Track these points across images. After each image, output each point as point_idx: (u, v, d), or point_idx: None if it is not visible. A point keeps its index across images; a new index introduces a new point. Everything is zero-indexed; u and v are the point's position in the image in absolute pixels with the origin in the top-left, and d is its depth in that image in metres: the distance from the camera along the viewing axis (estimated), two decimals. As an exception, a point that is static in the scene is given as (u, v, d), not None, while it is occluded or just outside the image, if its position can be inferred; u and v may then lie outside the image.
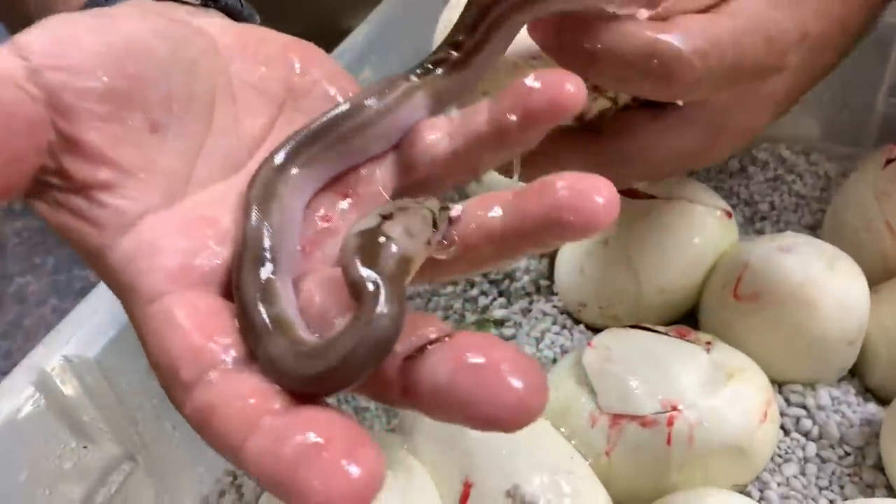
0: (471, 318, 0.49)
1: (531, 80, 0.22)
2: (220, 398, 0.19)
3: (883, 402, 0.41)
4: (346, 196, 0.25)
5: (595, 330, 0.46)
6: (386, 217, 0.21)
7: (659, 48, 0.26)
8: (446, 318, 0.49)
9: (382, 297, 0.18)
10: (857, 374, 0.42)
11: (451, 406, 0.18)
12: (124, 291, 0.22)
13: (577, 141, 0.31)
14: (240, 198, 0.24)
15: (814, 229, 0.51)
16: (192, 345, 0.20)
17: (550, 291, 0.49)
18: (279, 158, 0.24)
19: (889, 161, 0.46)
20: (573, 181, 0.21)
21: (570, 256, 0.46)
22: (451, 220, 0.23)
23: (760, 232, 0.51)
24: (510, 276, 0.50)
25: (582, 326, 0.46)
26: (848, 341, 0.39)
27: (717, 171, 0.55)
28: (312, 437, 0.17)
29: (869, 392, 0.41)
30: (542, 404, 0.18)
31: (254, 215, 0.22)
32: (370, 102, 0.25)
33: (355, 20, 0.64)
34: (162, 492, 0.37)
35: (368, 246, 0.20)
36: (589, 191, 0.20)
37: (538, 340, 0.46)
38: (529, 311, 0.48)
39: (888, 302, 0.41)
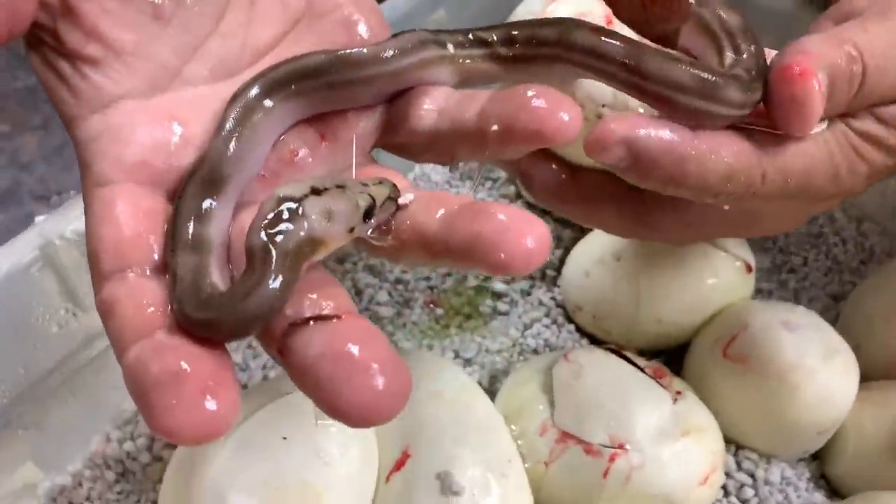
0: (472, 282, 0.49)
1: (533, 95, 0.22)
2: (123, 298, 0.20)
3: (834, 493, 0.41)
4: (323, 138, 0.25)
5: (583, 334, 0.46)
6: (316, 191, 0.20)
7: (737, 172, 0.25)
8: (448, 274, 0.49)
9: (267, 272, 0.19)
10: (818, 457, 0.42)
11: (309, 386, 0.19)
12: (82, 166, 0.22)
13: (620, 196, 0.30)
14: (223, 104, 0.23)
15: (837, 300, 0.49)
16: (119, 239, 0.21)
17: (554, 283, 0.49)
18: (264, 86, 0.23)
19: (934, 262, 0.44)
20: (510, 217, 0.20)
21: (581, 257, 0.46)
22: (396, 210, 0.22)
23: (784, 284, 0.50)
24: (522, 254, 0.50)
25: (572, 327, 0.47)
26: (819, 431, 0.39)
27: (764, 210, 0.54)
28: (182, 364, 0.18)
29: (823, 479, 0.42)
30: (396, 410, 0.18)
31: (221, 136, 0.22)
32: (387, 56, 0.24)
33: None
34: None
35: (279, 215, 0.20)
36: (521, 231, 0.20)
37: (526, 327, 0.47)
38: (529, 294, 0.48)
39: (874, 403, 0.40)
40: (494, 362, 0.45)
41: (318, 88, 0.24)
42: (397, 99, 0.26)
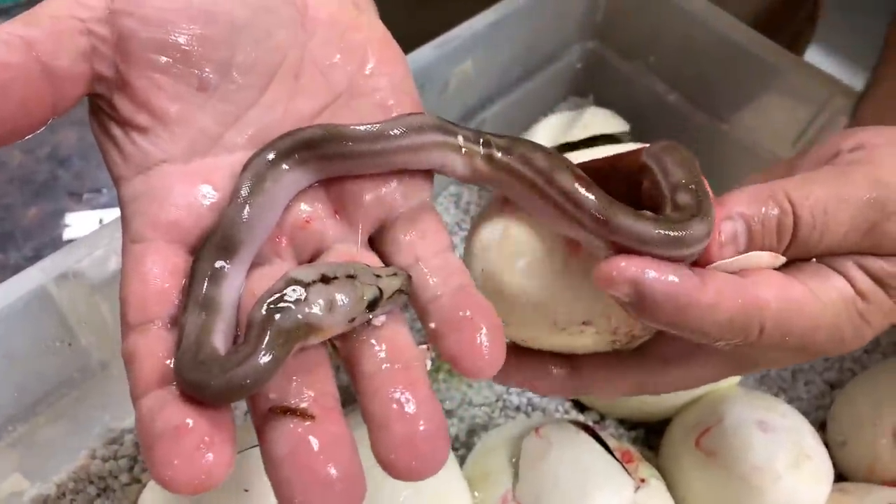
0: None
1: (475, 319, 0.23)
2: (142, 350, 0.22)
3: None
4: (335, 213, 0.26)
5: (570, 398, 0.47)
6: (325, 279, 0.22)
7: (736, 324, 0.25)
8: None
9: (259, 347, 0.20)
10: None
11: (272, 478, 0.21)
12: (123, 222, 0.24)
13: (622, 368, 0.31)
14: None
15: (833, 387, 0.49)
16: (145, 293, 0.22)
17: (547, 340, 0.49)
18: (276, 151, 0.25)
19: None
20: (419, 415, 0.22)
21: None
22: (405, 302, 0.24)
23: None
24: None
25: (558, 388, 0.47)
26: (780, 535, 0.39)
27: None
28: (184, 418, 0.20)
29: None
30: None
31: (237, 200, 0.24)
32: (401, 140, 0.26)
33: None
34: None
35: (284, 296, 0.21)
36: (415, 444, 0.22)
37: (512, 383, 0.47)
38: (522, 347, 0.49)
39: (846, 508, 0.40)
40: (475, 416, 0.46)
41: (319, 158, 0.25)
42: (410, 211, 0.27)
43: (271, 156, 0.24)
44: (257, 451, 0.35)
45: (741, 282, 0.25)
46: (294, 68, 0.26)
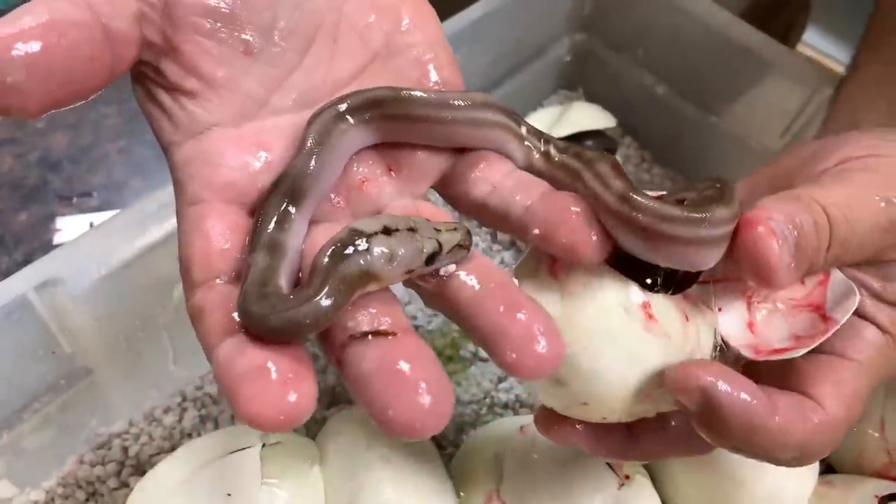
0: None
1: (576, 211, 0.24)
2: (211, 303, 0.22)
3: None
4: (390, 170, 0.27)
5: (557, 393, 0.47)
6: (387, 231, 0.23)
7: (807, 449, 0.26)
8: (436, 314, 0.50)
9: (320, 290, 0.21)
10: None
11: (362, 396, 0.21)
12: (176, 186, 0.25)
13: (680, 438, 0.30)
14: (301, 132, 0.25)
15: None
16: (208, 251, 0.23)
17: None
18: (345, 106, 0.25)
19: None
20: (531, 317, 0.22)
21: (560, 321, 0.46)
22: (465, 256, 0.24)
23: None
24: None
25: (546, 385, 0.47)
26: (765, 528, 0.39)
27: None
28: (266, 359, 0.20)
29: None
30: (438, 427, 0.20)
31: (304, 150, 0.24)
32: (467, 112, 0.26)
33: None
34: (125, 391, 0.42)
35: (347, 244, 0.22)
36: (534, 339, 0.22)
37: (500, 380, 0.47)
38: (511, 344, 0.49)
39: (833, 501, 0.40)
40: (463, 414, 0.46)
41: (385, 118, 0.26)
42: (466, 153, 0.27)
43: (338, 110, 0.25)
44: (240, 455, 0.35)
45: (808, 403, 0.26)
46: (332, 31, 0.27)
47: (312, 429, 0.44)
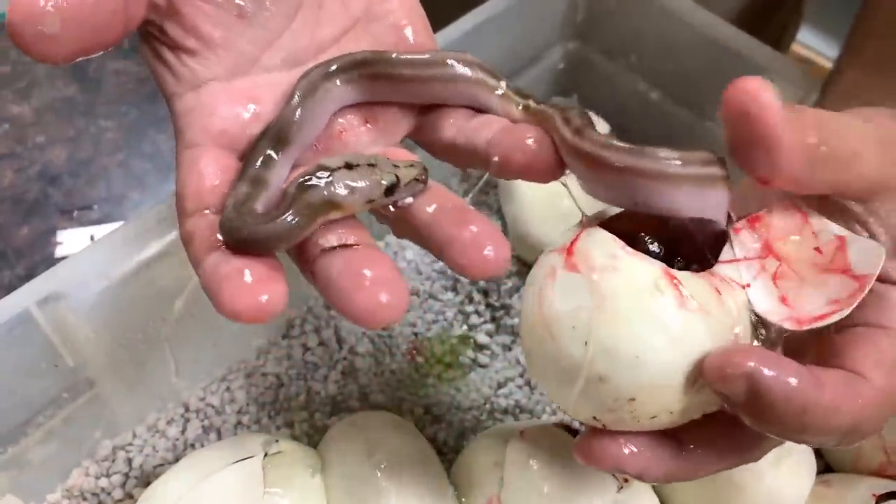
0: (458, 329, 0.51)
1: (529, 138, 0.27)
2: (200, 229, 0.26)
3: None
4: (366, 122, 0.31)
5: (556, 398, 0.47)
6: (349, 166, 0.26)
7: (860, 424, 0.25)
8: (435, 321, 0.51)
9: (286, 212, 0.24)
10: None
11: (330, 295, 0.25)
12: (176, 132, 0.28)
13: (732, 446, 0.29)
14: (290, 88, 0.29)
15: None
16: (200, 187, 0.27)
17: (534, 342, 0.49)
18: (332, 67, 0.29)
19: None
20: (481, 230, 0.26)
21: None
22: (422, 190, 0.28)
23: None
24: (507, 310, 0.51)
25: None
26: (765, 530, 0.39)
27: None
28: (244, 264, 0.24)
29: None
30: (395, 318, 0.24)
31: (291, 103, 0.28)
32: (445, 70, 0.29)
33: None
34: (128, 402, 0.42)
35: (314, 175, 0.26)
36: (482, 245, 0.25)
37: (499, 385, 0.48)
38: (510, 349, 0.50)
39: (830, 500, 0.41)
40: (464, 420, 0.46)
41: (368, 77, 0.29)
42: (436, 108, 0.31)
43: (326, 70, 0.29)
44: (242, 465, 0.36)
45: (855, 378, 0.25)
46: None
47: (314, 438, 0.44)
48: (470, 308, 0.51)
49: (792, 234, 0.27)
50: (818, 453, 0.45)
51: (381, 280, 0.24)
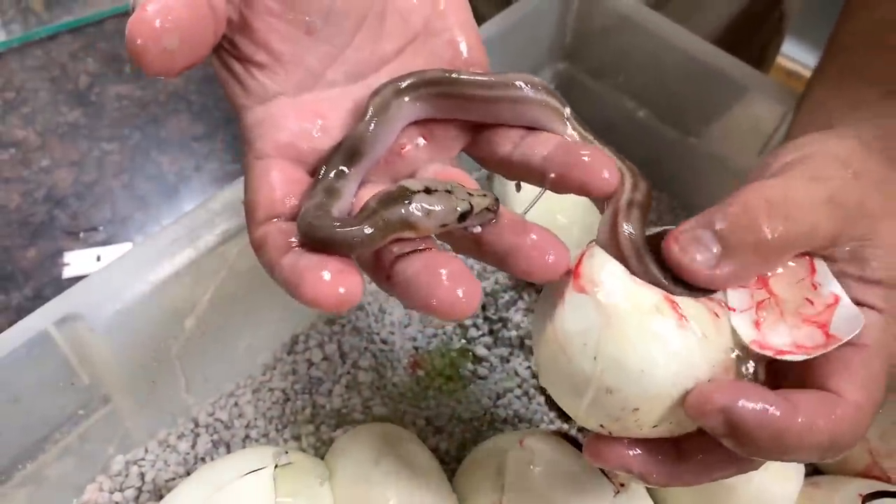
0: (457, 343, 0.52)
1: (585, 154, 0.29)
2: (273, 234, 0.27)
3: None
4: (425, 138, 0.32)
5: (552, 406, 0.49)
6: (428, 190, 0.27)
7: (837, 438, 0.27)
8: (435, 335, 0.52)
9: (365, 223, 0.26)
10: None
11: (409, 293, 0.26)
12: (246, 143, 0.29)
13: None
14: (353, 103, 0.30)
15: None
16: (272, 197, 0.28)
17: (531, 352, 0.51)
18: (403, 84, 0.30)
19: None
20: (541, 236, 0.27)
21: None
22: (491, 220, 0.29)
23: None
24: (504, 323, 0.53)
25: (542, 399, 0.49)
26: (755, 530, 0.41)
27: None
28: (322, 258, 0.25)
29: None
30: (471, 310, 0.25)
31: (365, 119, 0.29)
32: (514, 92, 0.30)
33: (484, 3, 0.64)
34: (141, 418, 0.44)
35: (395, 195, 0.27)
36: (544, 251, 0.27)
37: (498, 396, 0.49)
38: (507, 361, 0.51)
39: (816, 499, 0.42)
40: (465, 431, 0.48)
41: (438, 96, 0.31)
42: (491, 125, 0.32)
43: (397, 87, 0.30)
44: (253, 476, 0.37)
45: (828, 396, 0.27)
46: (380, 14, 0.31)
47: (320, 450, 0.46)
48: (468, 321, 0.53)
49: (794, 279, 0.29)
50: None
51: (456, 277, 0.25)
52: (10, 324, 0.37)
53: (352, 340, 0.51)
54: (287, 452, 0.39)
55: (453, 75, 0.30)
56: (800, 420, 0.26)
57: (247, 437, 0.45)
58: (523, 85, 0.31)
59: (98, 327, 0.38)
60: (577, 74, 0.61)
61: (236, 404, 0.47)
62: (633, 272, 0.28)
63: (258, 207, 0.28)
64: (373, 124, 0.29)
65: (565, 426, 0.48)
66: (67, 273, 0.59)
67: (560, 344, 0.29)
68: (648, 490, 0.42)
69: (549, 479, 0.40)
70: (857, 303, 0.29)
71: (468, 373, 0.51)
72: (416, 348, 0.52)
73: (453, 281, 0.25)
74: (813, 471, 0.46)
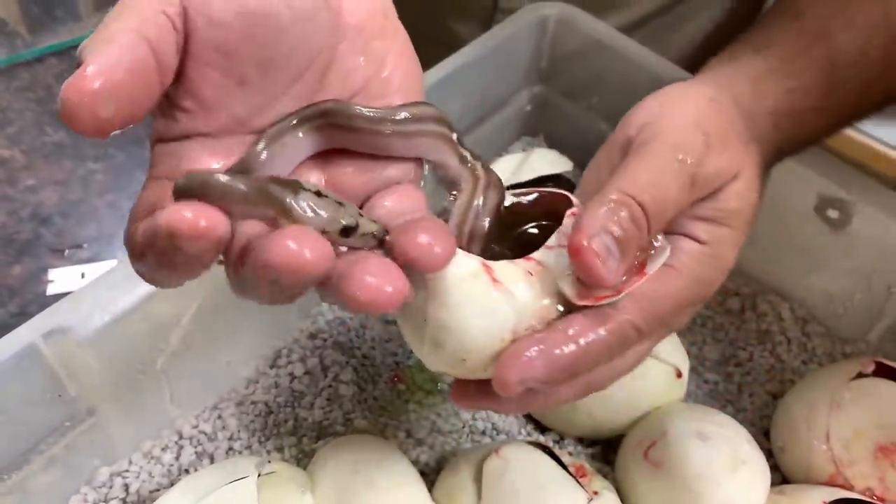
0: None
1: (420, 235, 0.27)
2: (143, 226, 0.25)
3: None
4: (320, 175, 0.31)
5: (529, 419, 0.50)
6: (320, 194, 0.27)
7: (612, 345, 0.30)
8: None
9: (246, 182, 0.25)
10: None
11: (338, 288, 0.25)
12: (152, 162, 0.28)
13: None
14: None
15: (776, 397, 0.52)
16: (151, 200, 0.27)
17: (508, 367, 0.52)
18: (298, 117, 0.30)
19: (859, 375, 0.47)
20: (378, 270, 0.25)
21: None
22: (374, 246, 0.28)
23: (729, 377, 0.53)
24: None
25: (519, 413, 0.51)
26: (723, 536, 0.42)
27: (718, 304, 0.57)
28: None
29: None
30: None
31: (256, 147, 0.29)
32: (399, 126, 0.30)
33: (464, 26, 0.66)
34: (125, 430, 0.44)
35: (288, 182, 0.27)
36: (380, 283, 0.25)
37: (477, 409, 0.51)
38: (485, 375, 0.52)
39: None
40: (444, 443, 0.49)
41: (328, 126, 0.30)
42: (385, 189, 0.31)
43: (291, 119, 0.30)
44: (238, 484, 0.38)
45: (597, 311, 0.30)
46: (321, 69, 0.30)
47: (302, 461, 0.47)
48: (447, 336, 0.54)
49: None
50: (775, 467, 0.48)
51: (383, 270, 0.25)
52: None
53: (333, 355, 0.52)
54: (270, 462, 0.40)
55: (346, 107, 0.30)
56: (582, 342, 0.29)
57: (230, 448, 0.46)
58: (408, 116, 0.31)
59: (85, 340, 0.39)
60: (553, 97, 0.63)
61: (220, 417, 0.48)
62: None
63: (138, 208, 0.27)
64: (265, 150, 0.29)
65: (542, 437, 0.50)
66: (52, 290, 0.60)
67: (406, 307, 0.32)
68: (620, 496, 0.43)
69: (523, 486, 0.41)
70: (685, 235, 0.33)
71: (447, 387, 0.52)
72: (396, 363, 0.53)
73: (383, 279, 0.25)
74: (781, 480, 0.48)
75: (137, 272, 0.26)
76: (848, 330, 0.54)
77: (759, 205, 0.36)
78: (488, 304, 0.29)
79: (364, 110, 0.30)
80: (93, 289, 0.40)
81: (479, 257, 0.30)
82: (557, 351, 0.29)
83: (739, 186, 0.34)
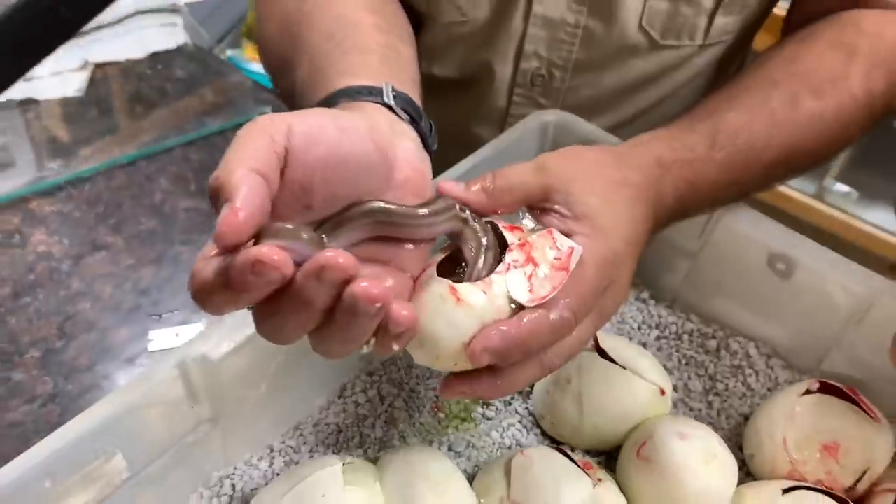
0: (469, 393, 0.66)
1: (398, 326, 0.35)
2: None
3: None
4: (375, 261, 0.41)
5: (546, 436, 0.62)
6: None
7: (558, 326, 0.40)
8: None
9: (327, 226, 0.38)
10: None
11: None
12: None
13: None
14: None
15: (747, 418, 0.64)
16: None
17: (528, 396, 0.65)
18: (346, 214, 0.38)
19: (807, 392, 0.59)
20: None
21: (546, 378, 0.62)
22: None
23: (711, 404, 0.65)
24: (506, 374, 0.67)
25: (538, 430, 0.63)
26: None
27: (699, 345, 0.70)
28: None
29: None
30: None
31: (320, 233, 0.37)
32: (422, 220, 0.40)
33: (483, 129, 0.81)
34: (232, 444, 0.57)
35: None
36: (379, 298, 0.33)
37: (504, 429, 0.63)
38: (509, 405, 0.65)
39: (751, 498, 0.55)
40: (479, 455, 0.61)
41: (375, 223, 0.39)
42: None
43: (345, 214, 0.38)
44: (327, 469, 0.50)
45: (539, 305, 0.40)
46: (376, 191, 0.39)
47: (373, 460, 0.59)
48: (477, 375, 0.67)
49: (544, 246, 0.42)
50: (748, 473, 0.60)
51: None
52: (110, 389, 0.48)
53: (387, 388, 0.64)
54: (350, 457, 0.52)
55: (386, 206, 0.39)
56: (525, 320, 0.39)
57: (311, 458, 0.59)
58: (427, 211, 0.40)
59: (216, 362, 0.52)
60: (557, 183, 0.78)
61: (301, 434, 0.60)
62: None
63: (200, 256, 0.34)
64: (328, 235, 0.37)
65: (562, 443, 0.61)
66: (152, 347, 0.74)
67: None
68: (617, 482, 0.55)
69: (543, 476, 0.53)
70: (574, 234, 0.42)
71: (479, 415, 0.64)
72: (436, 396, 0.65)
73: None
74: (745, 475, 0.59)
75: (197, 300, 0.33)
76: (804, 362, 0.67)
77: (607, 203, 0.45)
78: (453, 318, 0.39)
79: (397, 207, 0.39)
80: (216, 328, 0.53)
81: (448, 281, 0.40)
82: (510, 329, 0.39)
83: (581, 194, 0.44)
